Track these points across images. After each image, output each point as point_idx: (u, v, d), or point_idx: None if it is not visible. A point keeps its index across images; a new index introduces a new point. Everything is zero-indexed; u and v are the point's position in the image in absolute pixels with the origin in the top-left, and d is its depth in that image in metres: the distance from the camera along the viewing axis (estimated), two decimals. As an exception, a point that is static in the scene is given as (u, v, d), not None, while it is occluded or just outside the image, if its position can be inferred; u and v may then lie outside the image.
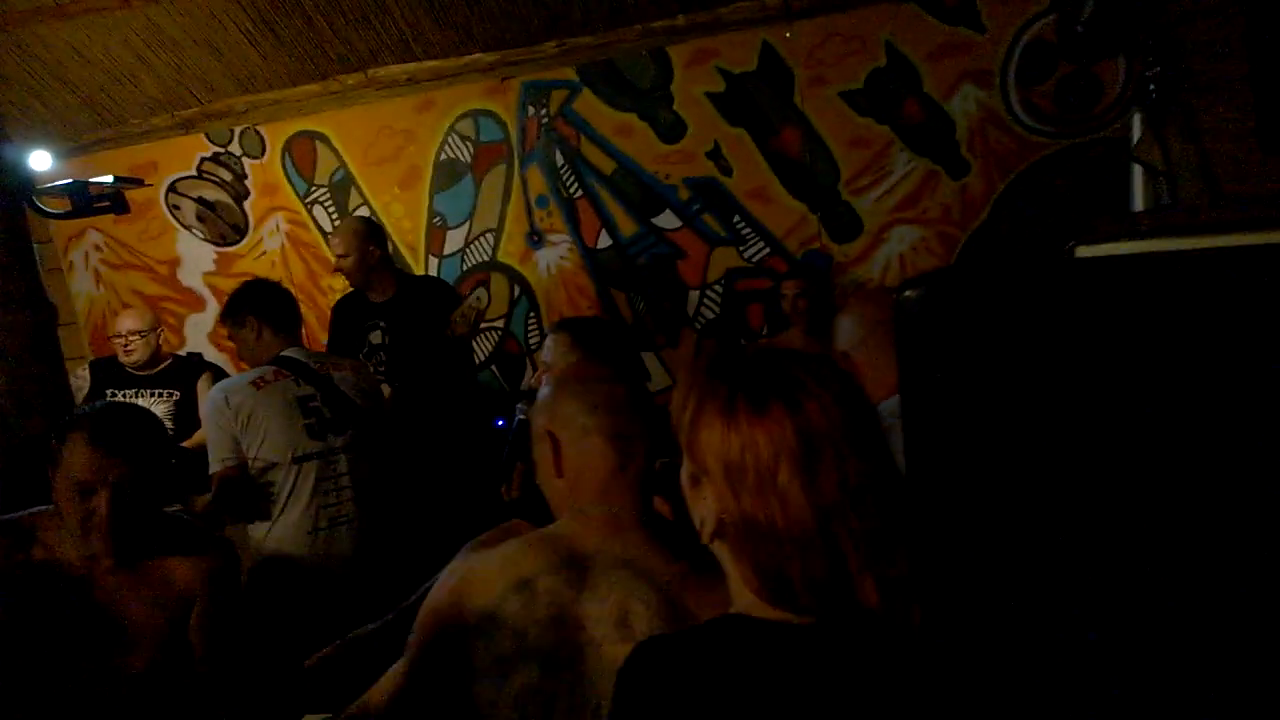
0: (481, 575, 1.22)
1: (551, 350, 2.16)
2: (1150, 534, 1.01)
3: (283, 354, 2.66)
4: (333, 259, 3.47)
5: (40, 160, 2.80)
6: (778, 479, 0.80)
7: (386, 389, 3.21)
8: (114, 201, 2.77)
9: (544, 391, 1.31)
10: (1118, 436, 1.01)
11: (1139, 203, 3.00)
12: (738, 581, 0.87)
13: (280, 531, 2.56)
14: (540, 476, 1.29)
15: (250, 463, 2.53)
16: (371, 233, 3.43)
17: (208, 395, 2.63)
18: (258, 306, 2.69)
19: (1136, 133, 3.02)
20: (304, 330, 3.06)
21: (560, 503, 1.28)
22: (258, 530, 2.60)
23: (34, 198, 2.67)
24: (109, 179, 2.75)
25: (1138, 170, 2.99)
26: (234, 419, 2.51)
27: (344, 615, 1.26)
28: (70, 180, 2.73)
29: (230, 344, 4.44)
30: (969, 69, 3.61)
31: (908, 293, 1.05)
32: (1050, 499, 1.02)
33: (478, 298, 3.53)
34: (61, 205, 2.79)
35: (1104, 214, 3.35)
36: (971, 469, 1.03)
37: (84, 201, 2.74)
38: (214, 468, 2.53)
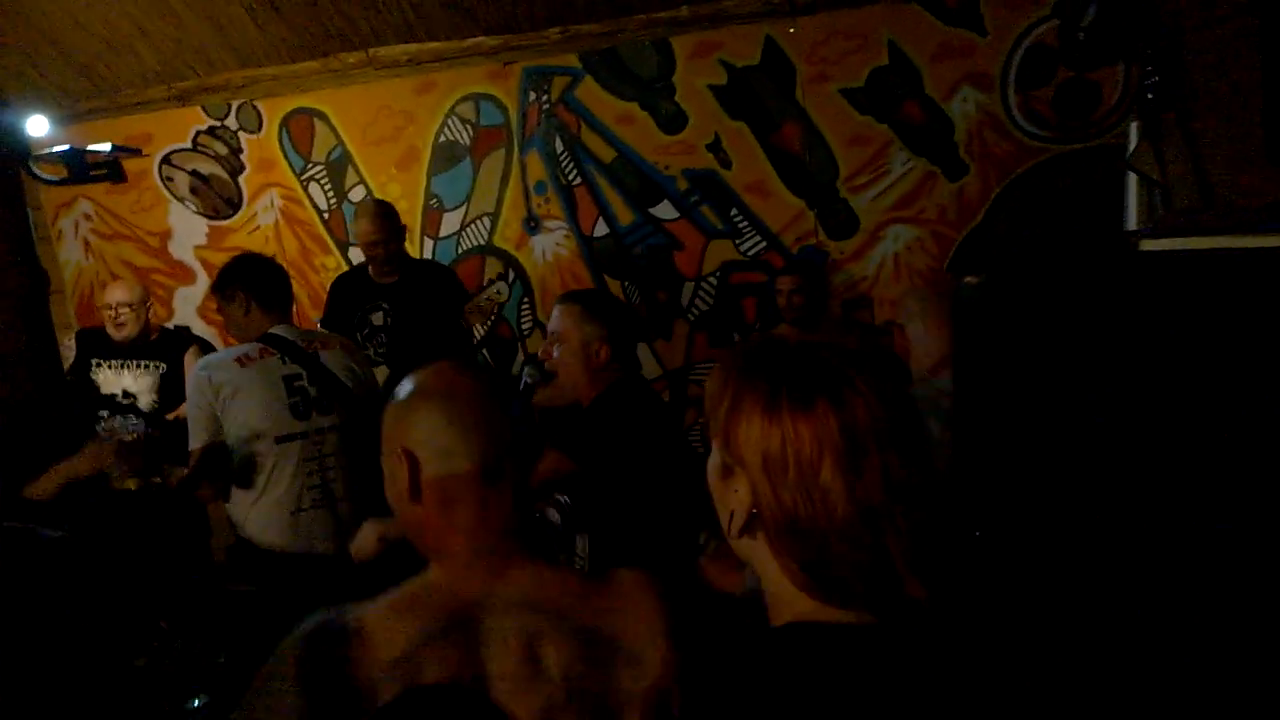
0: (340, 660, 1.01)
1: (560, 320, 2.15)
2: (1196, 524, 1.01)
3: (270, 331, 2.63)
4: (350, 238, 3.43)
5: (37, 125, 2.76)
6: (820, 475, 0.79)
7: (384, 371, 3.19)
8: (110, 170, 2.75)
9: (400, 395, 1.12)
10: (1178, 428, 1.00)
11: (1133, 211, 3.03)
12: (778, 579, 0.84)
13: (261, 511, 2.54)
14: (391, 495, 1.12)
15: (233, 441, 2.50)
16: (399, 218, 3.47)
17: (192, 371, 2.57)
18: (248, 281, 2.65)
19: (1133, 141, 3.06)
20: (295, 308, 3.04)
21: (417, 528, 1.12)
22: (238, 509, 2.58)
23: (30, 163, 2.64)
24: (106, 147, 2.72)
25: (1133, 178, 3.03)
26: (215, 396, 2.48)
27: (324, 598, 1.20)
28: (68, 147, 2.69)
29: (219, 317, 4.44)
30: (970, 71, 3.64)
31: (968, 279, 1.04)
32: (1106, 489, 1.02)
33: (498, 290, 3.52)
34: (57, 172, 2.76)
35: (1100, 221, 3.39)
36: (1026, 458, 1.02)
37: (81, 169, 2.72)
38: (193, 444, 2.50)
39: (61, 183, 2.82)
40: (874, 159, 3.78)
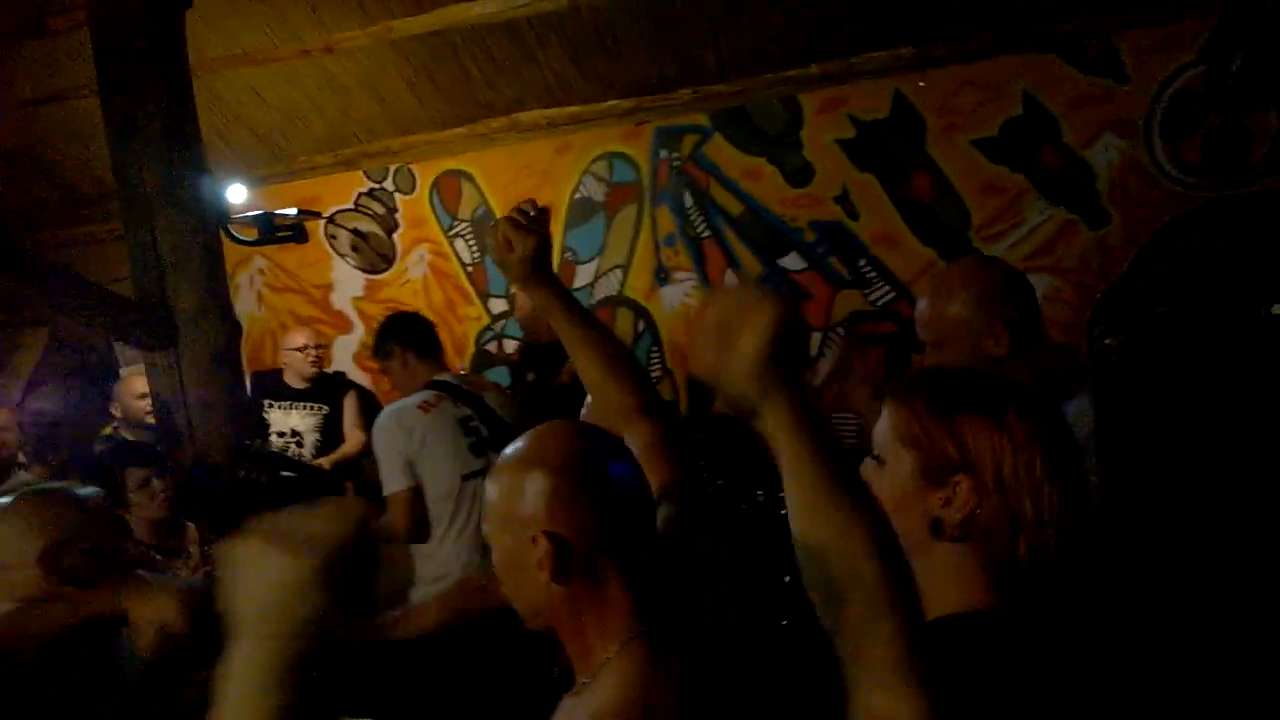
0: None
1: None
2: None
3: (435, 379, 2.81)
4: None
5: (236, 194, 3.13)
6: (1045, 483, 0.93)
7: None
8: (295, 231, 3.07)
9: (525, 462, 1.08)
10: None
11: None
12: (951, 579, 0.95)
13: (448, 551, 2.64)
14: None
15: (427, 481, 2.63)
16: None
17: (379, 421, 2.72)
18: (404, 337, 2.86)
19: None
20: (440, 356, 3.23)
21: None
22: (422, 551, 2.67)
23: (228, 225, 2.98)
24: (292, 211, 3.04)
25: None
26: (408, 442, 2.61)
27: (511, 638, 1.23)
28: (259, 211, 3.03)
29: (373, 364, 4.77)
30: (1110, 119, 3.57)
31: (1107, 340, 1.11)
32: (1240, 541, 1.05)
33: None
34: (249, 233, 3.10)
35: (1260, 269, 3.24)
36: (1164, 507, 1.07)
37: (269, 230, 3.04)
38: (392, 487, 2.62)
39: (253, 244, 3.17)
40: (1008, 208, 3.74)
